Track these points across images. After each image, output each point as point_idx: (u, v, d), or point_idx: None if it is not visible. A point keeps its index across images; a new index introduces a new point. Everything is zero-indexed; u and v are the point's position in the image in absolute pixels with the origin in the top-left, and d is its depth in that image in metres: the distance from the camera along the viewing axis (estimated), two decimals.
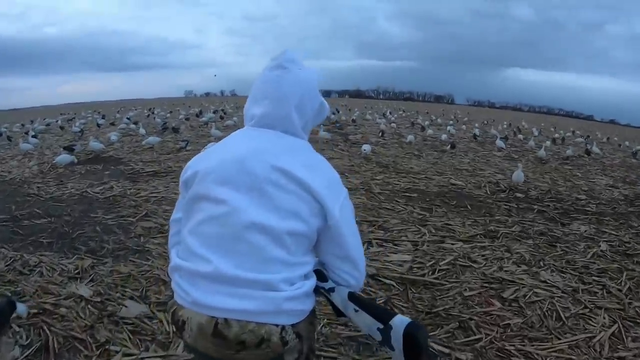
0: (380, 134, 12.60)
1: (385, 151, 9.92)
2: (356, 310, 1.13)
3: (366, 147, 8.36)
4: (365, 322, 1.11)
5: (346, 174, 6.83)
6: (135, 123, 17.03)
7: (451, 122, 22.72)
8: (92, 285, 3.00)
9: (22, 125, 19.89)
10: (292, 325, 1.08)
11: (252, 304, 1.03)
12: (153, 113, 23.70)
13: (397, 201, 5.38)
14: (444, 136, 12.90)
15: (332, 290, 1.17)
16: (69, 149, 9.04)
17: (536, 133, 18.98)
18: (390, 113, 26.32)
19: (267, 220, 1.05)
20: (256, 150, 1.11)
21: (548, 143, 13.18)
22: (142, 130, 12.63)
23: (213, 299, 1.04)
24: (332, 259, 1.17)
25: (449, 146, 10.65)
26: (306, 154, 1.17)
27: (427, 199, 5.60)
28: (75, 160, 7.70)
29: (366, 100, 77.47)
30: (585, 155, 11.83)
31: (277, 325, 1.05)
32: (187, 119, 18.56)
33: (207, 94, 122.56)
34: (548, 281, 3.36)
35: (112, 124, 17.05)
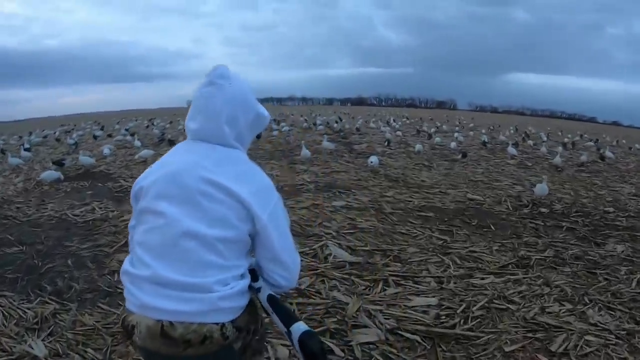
0: (386, 143, 12.05)
1: (393, 162, 9.36)
2: (270, 314, 1.27)
3: (373, 159, 7.80)
4: (278, 325, 1.25)
5: (353, 191, 6.28)
6: (133, 134, 16.62)
7: (457, 128, 22.21)
8: (50, 341, 2.49)
9: (20, 137, 19.54)
10: (231, 322, 1.18)
11: (191, 306, 1.12)
12: (153, 124, 23.33)
13: (412, 223, 4.81)
14: (452, 144, 12.32)
15: (258, 290, 1.29)
16: (59, 164, 8.55)
17: (545, 138, 18.44)
18: (394, 120, 25.81)
19: (198, 229, 1.15)
20: (189, 164, 1.22)
21: (560, 148, 12.63)
22: (137, 143, 12.15)
23: (157, 302, 1.13)
24: (264, 261, 1.27)
25: (459, 155, 10.10)
26: (237, 164, 1.26)
27: (445, 219, 5.03)
28: (62, 177, 7.19)
29: (369, 108, 77.13)
30: (600, 161, 11.28)
31: (217, 324, 1.14)
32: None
33: None
34: (598, 323, 2.82)
35: (110, 135, 16.58)
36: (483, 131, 21.14)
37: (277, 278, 1.28)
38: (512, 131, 24.01)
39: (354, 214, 5.07)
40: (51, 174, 7.14)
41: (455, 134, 15.74)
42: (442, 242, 4.21)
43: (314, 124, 20.61)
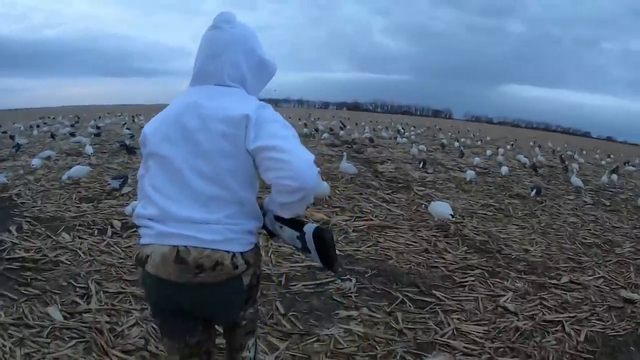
0: (421, 164, 9.04)
1: (449, 202, 6.22)
2: (280, 227, 1.37)
3: (441, 208, 4.68)
4: (289, 235, 1.36)
5: (433, 294, 3.19)
6: (98, 134, 13.53)
7: (478, 142, 19.51)
8: None
9: None
10: (241, 253, 1.26)
11: (204, 235, 1.21)
12: (134, 121, 20.52)
13: None
14: (504, 169, 9.41)
15: (264, 214, 1.37)
16: None
17: (581, 159, 15.75)
18: (403, 129, 23.02)
19: (200, 166, 1.23)
20: (188, 105, 1.27)
21: (615, 177, 9.93)
22: (89, 149, 9.02)
23: (174, 229, 1.21)
24: (263, 164, 1.21)
25: (532, 192, 7.16)
26: (233, 96, 1.28)
27: None
28: None
29: (366, 114, 74.25)
30: None
31: (228, 252, 1.23)
32: None
33: None
34: None
35: (73, 134, 13.33)
36: (509, 147, 18.46)
37: (278, 173, 1.17)
38: (537, 148, 21.36)
39: None
40: None
41: (498, 154, 12.93)
42: None
43: (316, 130, 17.66)
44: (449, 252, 4.03)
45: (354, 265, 3.58)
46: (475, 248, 4.25)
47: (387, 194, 6.52)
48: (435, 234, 4.55)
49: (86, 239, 3.92)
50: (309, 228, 1.30)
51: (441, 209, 4.60)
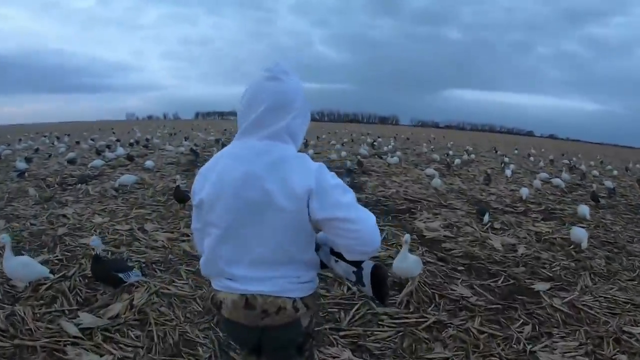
0: (483, 216, 6.00)
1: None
2: (336, 261, 1.43)
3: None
4: (343, 269, 1.43)
5: None
6: None
7: (468, 155, 17.18)
8: None
9: None
10: (301, 298, 1.38)
11: (267, 287, 1.34)
12: (53, 144, 17.43)
13: None
14: (524, 191, 7.62)
15: (318, 248, 1.45)
16: None
17: (594, 171, 13.87)
18: (375, 143, 20.19)
19: (265, 236, 1.31)
20: (248, 176, 1.30)
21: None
22: None
23: (241, 285, 1.36)
24: (331, 231, 1.32)
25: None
26: (291, 163, 1.31)
27: None
28: None
29: (313, 123, 71.67)
30: None
31: (289, 298, 1.36)
32: (98, 152, 12.10)
33: (150, 117, 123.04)
34: None
35: None
36: (507, 158, 16.26)
37: (350, 241, 1.28)
38: (515, 152, 19.44)
39: None
40: None
41: (509, 167, 10.40)
42: None
43: None
44: None
45: None
46: None
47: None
48: None
49: None
50: (367, 265, 1.40)
51: None
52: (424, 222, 5.62)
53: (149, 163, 9.71)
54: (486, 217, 5.59)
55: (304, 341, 1.47)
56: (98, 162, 9.69)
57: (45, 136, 21.25)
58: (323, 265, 1.46)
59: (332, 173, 1.31)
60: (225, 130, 30.39)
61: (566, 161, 17.33)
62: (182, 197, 5.75)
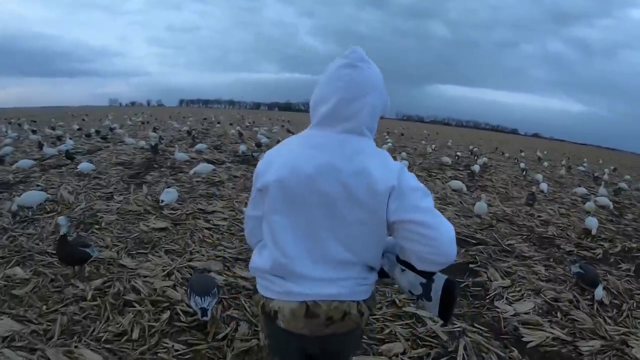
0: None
1: None
2: (402, 270, 1.30)
3: None
4: (409, 279, 1.30)
5: None
6: None
7: (456, 150, 15.28)
8: None
9: None
10: (364, 301, 1.28)
11: (331, 290, 1.22)
12: (19, 125, 15.94)
13: None
14: (592, 223, 5.74)
15: (382, 255, 1.32)
16: None
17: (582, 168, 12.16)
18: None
19: (337, 231, 1.20)
20: (323, 167, 1.18)
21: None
22: None
23: (300, 288, 1.22)
24: (412, 235, 1.17)
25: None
26: (371, 156, 1.21)
27: None
28: None
29: (300, 114, 69.19)
30: None
31: (354, 302, 1.25)
32: (40, 146, 9.35)
33: (133, 103, 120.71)
34: None
35: None
36: (521, 160, 14.41)
37: (423, 247, 1.16)
38: (522, 154, 17.71)
39: None
40: None
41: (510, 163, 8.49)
42: None
43: (258, 146, 12.28)
44: None
45: None
46: None
47: None
48: None
49: None
50: (440, 278, 1.27)
51: None
52: (511, 304, 3.40)
53: (85, 166, 7.07)
54: (599, 291, 3.48)
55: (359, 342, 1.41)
56: (26, 162, 7.31)
57: (10, 122, 18.41)
58: (381, 274, 1.37)
59: (413, 174, 1.24)
60: (204, 119, 28.15)
61: (581, 168, 15.66)
62: (71, 255, 3.15)
